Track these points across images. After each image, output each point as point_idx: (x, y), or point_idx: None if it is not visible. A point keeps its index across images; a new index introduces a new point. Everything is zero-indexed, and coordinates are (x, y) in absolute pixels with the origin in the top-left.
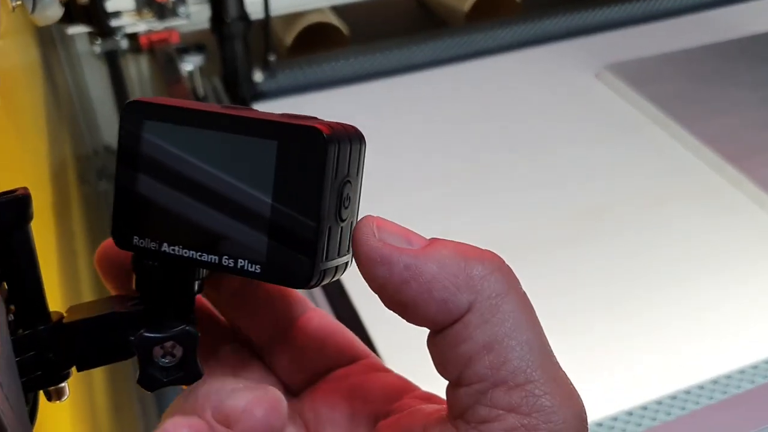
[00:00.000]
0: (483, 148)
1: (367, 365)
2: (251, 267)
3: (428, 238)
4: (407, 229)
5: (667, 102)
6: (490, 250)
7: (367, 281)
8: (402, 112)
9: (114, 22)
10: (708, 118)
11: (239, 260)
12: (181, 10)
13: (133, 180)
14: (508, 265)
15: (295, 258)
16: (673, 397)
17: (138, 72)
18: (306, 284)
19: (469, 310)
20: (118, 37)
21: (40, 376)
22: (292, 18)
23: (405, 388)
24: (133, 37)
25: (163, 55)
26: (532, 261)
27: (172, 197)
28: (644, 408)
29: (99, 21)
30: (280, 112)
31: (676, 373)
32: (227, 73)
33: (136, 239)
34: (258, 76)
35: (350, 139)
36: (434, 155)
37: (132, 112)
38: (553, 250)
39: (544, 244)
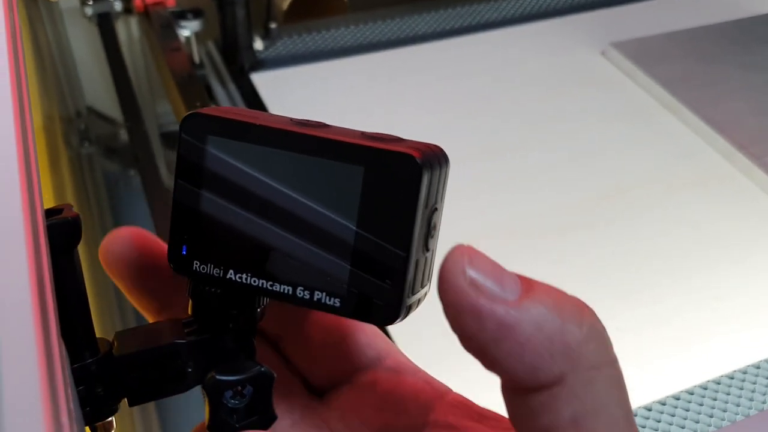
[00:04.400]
0: (486, 126)
1: (394, 366)
2: (329, 300)
3: (519, 275)
4: (500, 266)
5: (675, 84)
6: (578, 298)
7: (450, 324)
8: (405, 86)
9: None
10: (717, 102)
11: (316, 292)
12: None
13: (195, 199)
14: (601, 323)
15: (380, 292)
16: (690, 392)
17: (128, 35)
18: (392, 321)
19: (559, 382)
20: None
21: (88, 413)
22: None
23: (436, 393)
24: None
25: (158, 19)
26: (543, 245)
27: (241, 220)
28: (662, 403)
29: None
30: (355, 129)
31: (690, 367)
32: (226, 41)
33: (196, 264)
34: (258, 44)
35: (439, 162)
36: (437, 132)
37: (193, 126)
38: (564, 233)
39: (555, 227)
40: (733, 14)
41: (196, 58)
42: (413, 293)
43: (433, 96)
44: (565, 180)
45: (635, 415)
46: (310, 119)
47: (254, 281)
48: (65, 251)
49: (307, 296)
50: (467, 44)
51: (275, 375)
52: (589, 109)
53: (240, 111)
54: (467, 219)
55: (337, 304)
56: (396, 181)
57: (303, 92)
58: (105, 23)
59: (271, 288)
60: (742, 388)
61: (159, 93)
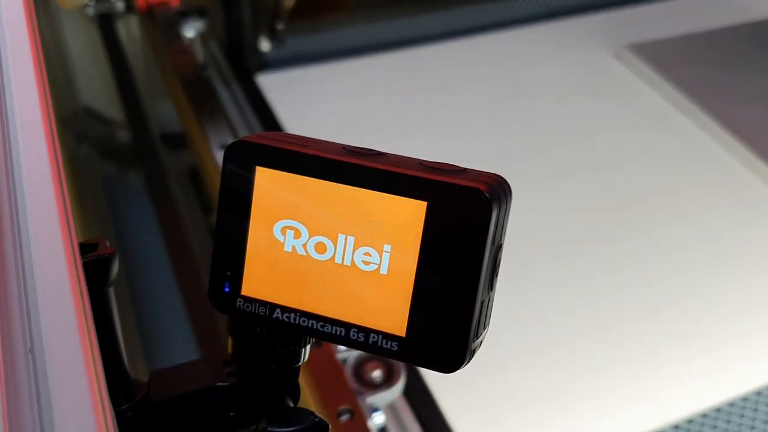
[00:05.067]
0: (496, 130)
1: None
2: (386, 343)
3: None
4: None
5: (693, 88)
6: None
7: None
8: (414, 88)
9: None
10: (735, 107)
11: (372, 334)
12: None
13: (240, 233)
14: None
15: (443, 336)
16: (718, 410)
17: (128, 35)
18: (456, 367)
19: None
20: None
21: None
22: None
23: None
24: None
25: (162, 20)
26: (560, 254)
27: (290, 256)
28: (690, 421)
29: None
30: (412, 158)
31: (716, 382)
32: (231, 42)
33: (240, 302)
34: (265, 45)
35: (505, 195)
36: (445, 136)
37: (239, 155)
38: (582, 244)
39: (571, 237)
40: (751, 16)
41: (200, 59)
42: (477, 336)
43: (442, 99)
44: (581, 188)
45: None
46: (362, 146)
47: (304, 321)
48: (100, 289)
49: (362, 338)
50: (476, 45)
51: (330, 426)
52: (604, 114)
53: (288, 137)
54: None
55: (395, 348)
56: (463, 218)
57: (310, 94)
58: (106, 24)
59: (321, 329)
60: None
61: (158, 93)
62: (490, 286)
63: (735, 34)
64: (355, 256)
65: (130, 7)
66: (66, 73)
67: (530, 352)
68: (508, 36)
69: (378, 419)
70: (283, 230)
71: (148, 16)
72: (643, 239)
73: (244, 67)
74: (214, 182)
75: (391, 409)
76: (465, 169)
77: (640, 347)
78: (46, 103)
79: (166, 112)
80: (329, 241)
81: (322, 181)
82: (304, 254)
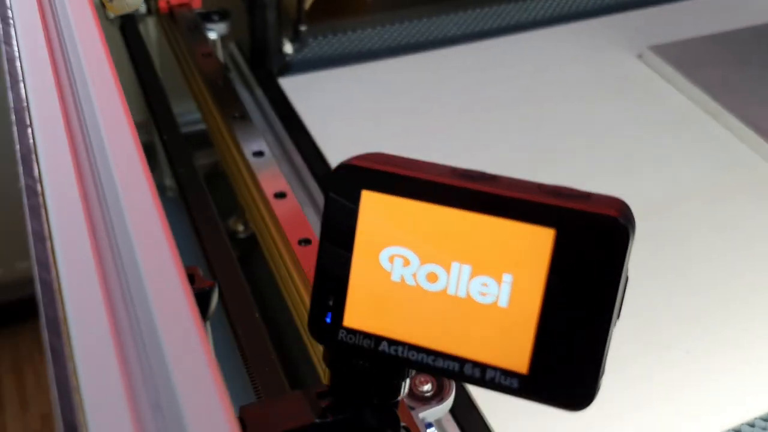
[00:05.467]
0: (520, 132)
1: None
2: (505, 380)
3: None
4: None
5: (718, 88)
6: None
7: None
8: (436, 90)
9: None
10: (761, 108)
11: (489, 370)
12: None
13: (343, 263)
14: None
15: (570, 373)
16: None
17: (146, 37)
18: (583, 406)
19: None
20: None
21: None
22: None
23: None
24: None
25: (185, 21)
26: None
27: (398, 287)
28: (751, 425)
29: None
30: (528, 181)
31: (754, 395)
32: (255, 44)
33: (342, 334)
34: (288, 48)
35: (634, 222)
36: (472, 139)
37: (344, 179)
38: None
39: None
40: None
41: (222, 60)
42: (604, 371)
43: (464, 101)
44: (610, 192)
45: None
46: (470, 168)
47: (413, 355)
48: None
49: (478, 374)
50: (497, 47)
51: None
52: (629, 116)
53: (393, 159)
54: None
55: (515, 385)
56: (596, 247)
57: (333, 97)
58: (129, 26)
59: (433, 363)
60: None
61: (179, 94)
62: (618, 316)
63: (759, 33)
64: (470, 286)
65: (149, 10)
66: None
67: None
68: (529, 37)
69: None
70: (391, 258)
71: (170, 18)
72: (674, 243)
73: (267, 69)
74: (244, 188)
75: (439, 425)
76: (589, 195)
77: (681, 355)
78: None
79: (187, 112)
80: (442, 270)
81: (434, 205)
82: (414, 284)
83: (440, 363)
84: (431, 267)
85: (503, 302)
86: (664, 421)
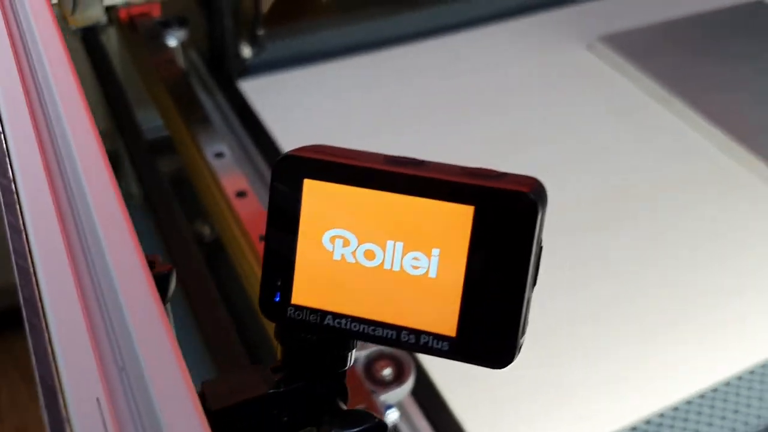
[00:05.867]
0: (476, 126)
1: None
2: (437, 344)
3: None
4: None
5: (668, 77)
6: None
7: None
8: (394, 87)
9: None
10: (711, 95)
11: (422, 336)
12: None
13: (289, 245)
14: None
15: (493, 335)
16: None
17: (109, 47)
18: (506, 364)
19: None
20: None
21: None
22: None
23: None
24: (110, 9)
25: (145, 30)
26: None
27: (339, 265)
28: (661, 415)
29: None
30: (453, 165)
31: (695, 371)
32: (213, 50)
33: (291, 311)
34: (246, 52)
35: (545, 197)
36: (429, 134)
37: (287, 170)
38: (567, 233)
39: (557, 228)
40: (722, 3)
41: (183, 66)
42: (524, 333)
43: (422, 97)
44: (561, 181)
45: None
46: (400, 155)
47: (355, 326)
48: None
49: (413, 340)
50: (453, 43)
51: (389, 425)
52: (579, 108)
53: (331, 150)
54: None
55: (446, 348)
56: (510, 220)
57: (293, 98)
58: (91, 36)
59: (372, 332)
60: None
61: (142, 102)
62: (534, 283)
63: (707, 21)
64: (404, 261)
65: (111, 20)
66: None
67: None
68: (482, 33)
69: (392, 416)
70: (332, 239)
71: (130, 27)
72: (626, 229)
73: (226, 73)
74: (206, 189)
75: (400, 407)
76: (505, 174)
77: (634, 334)
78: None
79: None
80: (378, 248)
81: (369, 190)
82: (354, 262)
83: (379, 332)
84: (368, 245)
85: (432, 274)
86: (622, 398)
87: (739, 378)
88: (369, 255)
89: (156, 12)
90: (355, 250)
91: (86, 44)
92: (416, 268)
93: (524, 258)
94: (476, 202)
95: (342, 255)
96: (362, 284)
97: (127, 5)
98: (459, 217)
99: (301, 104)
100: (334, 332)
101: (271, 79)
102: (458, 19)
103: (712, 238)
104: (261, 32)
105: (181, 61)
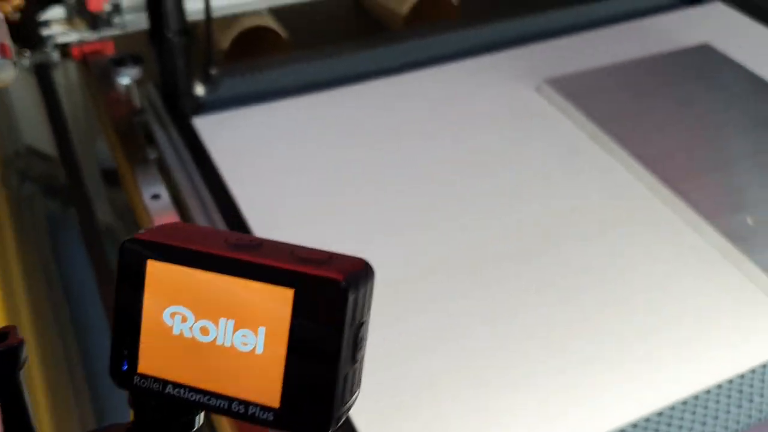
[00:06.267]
0: (422, 163)
1: None
2: (263, 414)
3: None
4: None
5: (607, 119)
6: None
7: None
8: (345, 125)
9: (44, 32)
10: (647, 137)
11: (250, 406)
12: (116, 20)
13: (135, 317)
14: None
15: (311, 406)
16: None
17: (67, 80)
18: None
19: None
20: (48, 49)
21: None
22: (228, 20)
23: None
24: (64, 47)
25: (97, 68)
26: (471, 280)
27: (178, 339)
28: None
29: (29, 35)
30: (290, 245)
31: (605, 408)
32: (166, 87)
33: (137, 379)
34: (200, 90)
35: (366, 278)
36: (377, 170)
37: (132, 251)
38: (494, 265)
39: (484, 259)
40: (668, 46)
41: (137, 104)
42: (343, 404)
43: (373, 134)
44: (496, 214)
45: None
46: (246, 237)
47: (192, 396)
48: (6, 376)
49: (242, 410)
50: (406, 81)
51: None
52: (523, 145)
53: (179, 231)
54: (400, 249)
55: (271, 418)
56: (323, 304)
57: (245, 135)
58: (43, 73)
59: (207, 401)
60: (670, 424)
61: (99, 134)
62: (353, 359)
63: (652, 64)
64: (234, 337)
65: (66, 55)
66: (8, 115)
67: (457, 367)
68: (434, 72)
69: None
70: (172, 315)
71: (84, 64)
72: (551, 263)
73: (180, 110)
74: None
75: None
76: (331, 258)
77: (545, 365)
78: None
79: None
80: (212, 324)
81: (205, 272)
82: (191, 336)
83: (213, 402)
84: (203, 322)
85: (259, 350)
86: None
87: (647, 420)
88: (204, 331)
89: (109, 50)
90: (192, 326)
91: (38, 79)
92: (245, 344)
93: (337, 338)
94: (295, 286)
95: (181, 330)
96: (198, 357)
97: (80, 43)
98: (281, 299)
99: (251, 142)
100: (175, 401)
101: (226, 116)
102: (414, 58)
103: (634, 276)
104: (214, 71)
105: (136, 98)
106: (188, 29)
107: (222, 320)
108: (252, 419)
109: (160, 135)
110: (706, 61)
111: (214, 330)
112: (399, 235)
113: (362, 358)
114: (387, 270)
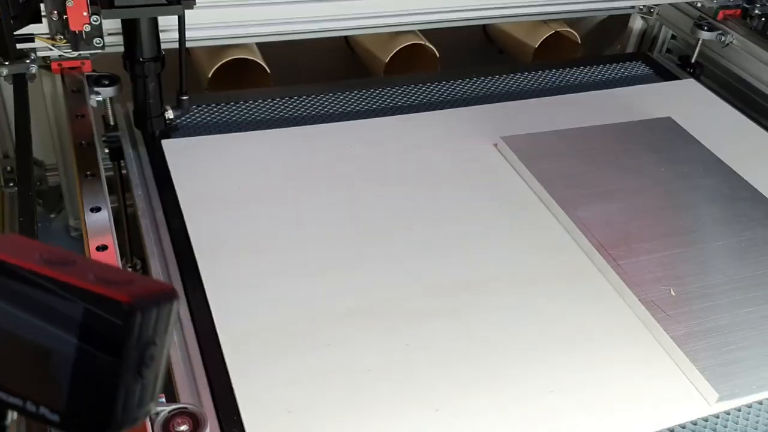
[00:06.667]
0: (374, 205)
1: None
2: (51, 415)
3: None
4: None
5: (554, 181)
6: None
7: None
8: (304, 161)
9: (25, 46)
10: (588, 202)
11: (41, 407)
12: (97, 40)
13: None
14: None
15: (93, 411)
16: None
17: (53, 89)
18: None
19: None
20: (28, 61)
21: None
22: (218, 50)
23: None
24: (45, 60)
25: (71, 84)
26: (406, 326)
27: None
28: None
29: (5, 47)
30: (106, 265)
31: None
32: (138, 109)
33: None
34: (170, 114)
35: (157, 303)
36: (323, 209)
37: None
38: (422, 319)
39: (413, 312)
40: (632, 116)
41: (111, 120)
42: (126, 412)
43: (330, 174)
44: (433, 266)
45: None
46: (62, 254)
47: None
48: None
49: (34, 410)
50: (372, 126)
51: None
52: (474, 199)
53: (12, 241)
54: (337, 294)
55: (57, 419)
56: (109, 322)
57: (208, 161)
58: (19, 83)
59: (6, 399)
60: None
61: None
62: (140, 374)
63: (608, 132)
64: (30, 344)
65: (46, 67)
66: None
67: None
68: (404, 119)
69: None
70: None
71: (61, 79)
72: (480, 317)
73: (151, 132)
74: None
75: None
76: (132, 280)
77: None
78: None
79: None
80: (14, 331)
81: (13, 281)
82: None
83: (11, 400)
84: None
85: (53, 357)
86: None
87: None
88: (4, 335)
89: (87, 68)
90: None
91: (16, 90)
92: (41, 349)
93: (118, 355)
94: (87, 302)
95: None
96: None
97: (60, 58)
98: (74, 312)
99: (215, 166)
100: None
101: (194, 141)
102: (383, 105)
103: (553, 333)
104: (185, 97)
105: (110, 113)
106: (161, 57)
107: (24, 326)
108: (41, 419)
109: (128, 153)
110: (664, 134)
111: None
112: (329, 274)
113: (155, 375)
114: (308, 306)
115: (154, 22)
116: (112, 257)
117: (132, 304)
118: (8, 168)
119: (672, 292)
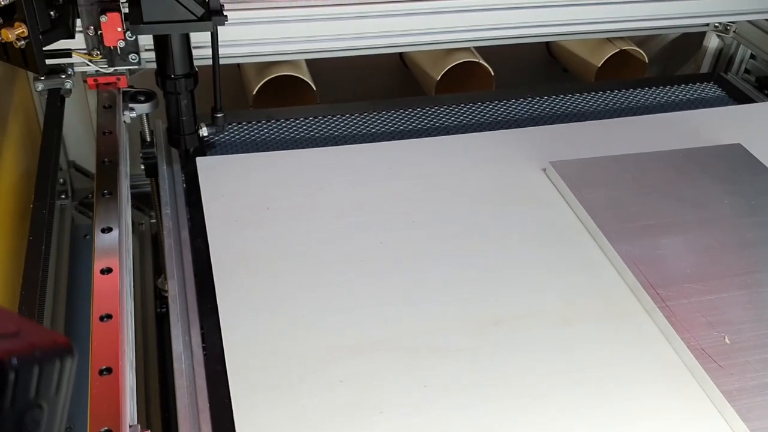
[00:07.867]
0: (401, 235)
1: None
2: None
3: None
4: None
5: (603, 211)
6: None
7: None
8: (337, 183)
9: (62, 62)
10: (639, 235)
11: None
12: (132, 56)
13: None
14: None
15: None
16: None
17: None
18: None
19: None
20: (63, 76)
21: None
22: (265, 66)
23: None
24: (83, 75)
25: (103, 100)
26: (426, 364)
27: None
28: None
29: (34, 63)
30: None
31: None
32: (171, 126)
33: None
34: (204, 131)
35: (42, 360)
36: (358, 234)
37: None
38: (443, 361)
39: (433, 352)
40: (695, 142)
41: (147, 137)
42: None
43: (361, 196)
44: (462, 299)
45: None
46: None
47: None
48: None
49: None
50: (417, 146)
51: None
52: (514, 228)
53: None
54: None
55: None
56: None
57: (239, 178)
58: (53, 98)
59: None
60: None
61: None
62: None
63: (665, 158)
64: None
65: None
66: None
67: None
68: (452, 140)
69: None
70: None
71: (97, 94)
72: (508, 358)
73: (184, 149)
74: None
75: None
76: (19, 333)
77: None
78: None
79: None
80: None
81: None
82: None
83: None
84: None
85: None
86: None
87: None
88: None
89: (123, 83)
90: None
91: (48, 105)
92: None
93: None
94: None
95: None
96: None
97: (96, 73)
98: None
99: (244, 187)
100: None
101: (228, 159)
102: (430, 125)
103: (593, 376)
104: (220, 115)
105: (146, 129)
106: (195, 73)
107: None
108: None
109: (162, 169)
110: (731, 162)
111: None
112: (348, 303)
113: None
114: (323, 337)
115: (186, 38)
116: (115, 281)
117: (3, 362)
118: (61, 180)
119: (726, 340)
